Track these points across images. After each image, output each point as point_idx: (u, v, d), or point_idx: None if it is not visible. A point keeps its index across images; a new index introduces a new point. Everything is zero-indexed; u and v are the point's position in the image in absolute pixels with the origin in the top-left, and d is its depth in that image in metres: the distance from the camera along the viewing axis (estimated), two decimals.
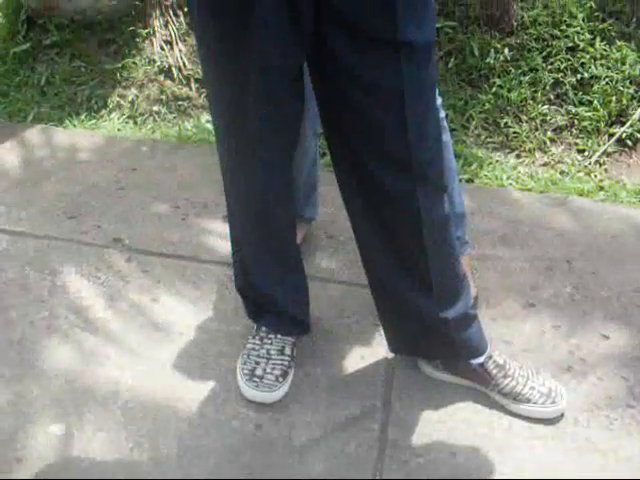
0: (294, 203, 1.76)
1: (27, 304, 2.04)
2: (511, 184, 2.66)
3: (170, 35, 3.26)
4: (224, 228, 2.14)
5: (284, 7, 1.26)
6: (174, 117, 3.12)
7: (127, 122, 3.09)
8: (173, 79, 3.20)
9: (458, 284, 1.67)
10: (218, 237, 2.28)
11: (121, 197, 2.48)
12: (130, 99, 3.16)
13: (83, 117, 3.08)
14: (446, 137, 1.87)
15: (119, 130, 3.00)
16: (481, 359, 1.71)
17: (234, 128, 1.48)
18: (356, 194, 1.56)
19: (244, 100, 1.39)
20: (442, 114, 1.86)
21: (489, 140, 2.95)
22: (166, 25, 3.27)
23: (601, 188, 2.73)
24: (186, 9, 3.26)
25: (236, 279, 1.83)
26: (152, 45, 3.25)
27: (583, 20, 3.20)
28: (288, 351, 1.79)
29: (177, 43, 3.24)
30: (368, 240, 1.63)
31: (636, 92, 3.10)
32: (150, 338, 1.93)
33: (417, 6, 1.31)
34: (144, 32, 3.27)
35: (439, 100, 1.82)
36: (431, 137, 1.46)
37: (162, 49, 3.24)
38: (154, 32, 3.26)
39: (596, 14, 3.23)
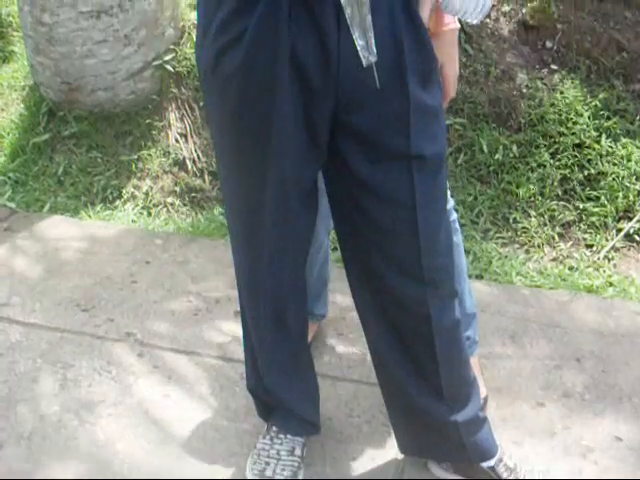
0: (307, 305, 1.79)
1: (38, 398, 2.06)
2: (520, 280, 2.68)
3: (185, 128, 3.34)
4: (236, 324, 2.16)
5: (301, 123, 1.31)
6: (188, 209, 3.17)
7: (141, 213, 3.15)
8: (187, 171, 3.26)
9: (468, 387, 1.67)
10: (230, 333, 2.30)
11: (134, 290, 2.51)
12: (145, 190, 3.23)
13: (98, 208, 3.14)
14: (457, 238, 1.91)
15: (133, 221, 3.05)
16: (492, 462, 1.70)
17: (248, 234, 1.51)
18: (367, 297, 1.58)
19: (259, 211, 1.43)
20: (453, 216, 1.90)
21: (498, 235, 2.98)
22: (182, 118, 3.36)
23: (610, 284, 2.74)
24: (201, 103, 3.36)
25: (247, 377, 1.84)
26: (167, 137, 3.33)
27: (589, 118, 3.27)
28: (298, 452, 1.79)
29: (192, 136, 3.32)
30: (378, 341, 1.64)
31: None
32: (160, 435, 1.93)
33: (429, 121, 1.36)
34: (160, 125, 3.35)
35: (451, 203, 1.87)
36: (442, 245, 1.49)
37: (177, 141, 3.32)
38: (170, 125, 3.34)
39: (601, 112, 3.30)
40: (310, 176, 1.43)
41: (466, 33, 3.40)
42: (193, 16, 3.58)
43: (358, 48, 1.22)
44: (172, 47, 3.43)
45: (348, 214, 1.48)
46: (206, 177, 3.25)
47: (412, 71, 1.30)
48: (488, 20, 3.52)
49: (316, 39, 1.23)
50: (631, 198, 3.10)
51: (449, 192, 1.76)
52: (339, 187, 1.45)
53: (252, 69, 1.27)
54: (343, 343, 2.27)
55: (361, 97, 1.30)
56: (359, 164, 1.36)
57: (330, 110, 1.31)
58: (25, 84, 3.80)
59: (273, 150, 1.34)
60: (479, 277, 2.67)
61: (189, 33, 3.50)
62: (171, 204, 3.19)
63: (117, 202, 3.22)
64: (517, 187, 3.10)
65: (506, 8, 3.57)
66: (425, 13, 1.29)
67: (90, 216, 3.07)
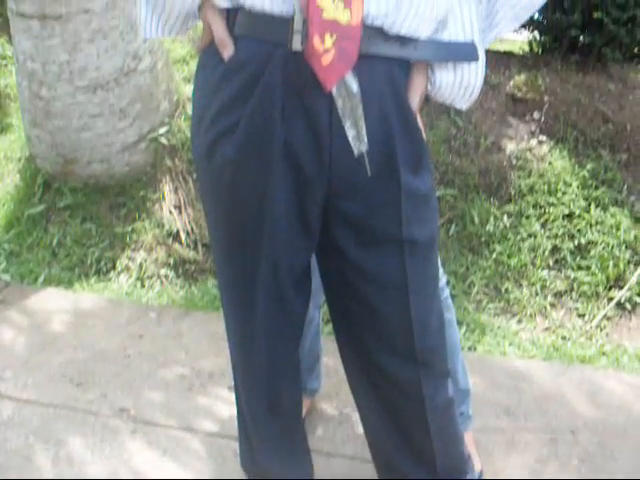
0: (301, 383, 1.79)
1: (30, 475, 2.04)
2: (514, 351, 2.69)
3: (179, 200, 3.38)
4: (230, 399, 2.15)
5: (294, 211, 1.33)
6: (181, 281, 3.19)
7: (135, 285, 3.16)
8: (181, 243, 3.29)
9: (462, 464, 1.67)
10: (224, 409, 2.29)
11: (128, 365, 2.51)
12: (139, 262, 3.24)
13: (92, 280, 3.15)
14: (450, 315, 1.92)
15: (127, 294, 3.06)
16: None
17: (243, 320, 1.52)
18: (360, 377, 1.59)
19: (253, 297, 1.45)
20: (446, 293, 1.92)
21: (490, 305, 3.00)
22: (176, 190, 3.40)
23: (603, 353, 2.75)
24: (195, 175, 3.39)
25: (241, 455, 1.83)
26: (161, 209, 3.36)
27: (578, 188, 3.32)
28: None
29: (186, 208, 3.36)
30: (372, 419, 1.64)
31: (632, 256, 3.18)
32: None
33: (420, 206, 1.38)
34: (154, 197, 3.39)
35: (443, 280, 1.89)
36: (434, 326, 1.50)
37: (171, 213, 3.35)
38: (164, 197, 3.38)
39: (589, 182, 3.36)
40: (303, 261, 1.45)
41: None
42: (187, 90, 3.65)
43: (349, 138, 1.25)
44: (167, 120, 3.49)
45: (340, 295, 1.49)
46: (199, 249, 3.28)
47: (402, 158, 1.32)
48: None
49: (309, 129, 1.26)
50: (621, 267, 3.13)
51: (441, 269, 1.78)
52: (331, 269, 1.47)
53: (245, 159, 1.29)
54: (337, 417, 2.27)
55: (353, 184, 1.32)
56: (351, 248, 1.38)
57: (322, 197, 1.33)
58: (21, 155, 3.84)
59: (266, 239, 1.36)
60: (472, 349, 2.68)
61: (183, 106, 3.56)
62: (165, 276, 3.20)
63: (111, 274, 3.23)
64: (509, 257, 3.13)
65: (494, 81, 3.65)
66: (415, 100, 1.33)
67: (84, 288, 3.08)
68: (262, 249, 1.37)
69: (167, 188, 3.40)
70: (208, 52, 1.32)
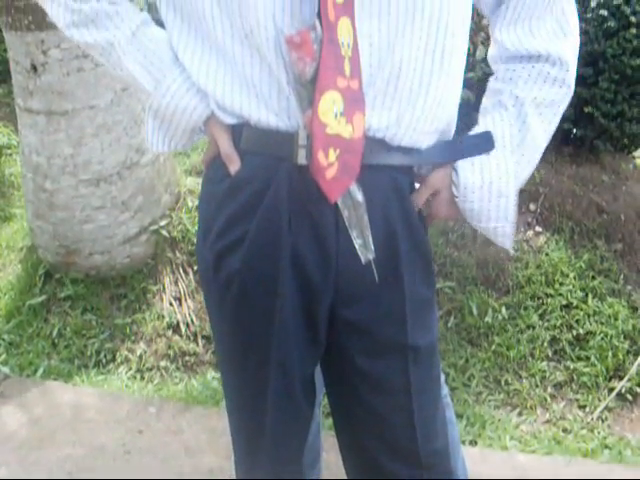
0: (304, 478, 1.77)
1: None
2: (515, 445, 2.67)
3: (179, 292, 3.40)
4: None
5: (301, 320, 1.35)
6: (181, 373, 3.19)
7: (135, 377, 3.15)
8: (181, 335, 3.30)
9: None
10: None
11: (127, 461, 2.49)
12: (138, 354, 3.24)
13: (92, 372, 3.15)
14: (449, 413, 1.92)
15: (127, 386, 3.05)
16: None
17: (249, 419, 1.52)
18: (361, 477, 1.58)
19: (260, 405, 1.44)
20: (445, 391, 1.92)
21: (490, 398, 2.99)
22: (176, 282, 3.43)
23: (605, 446, 2.74)
24: (196, 267, 3.43)
25: None
26: (162, 301, 3.38)
27: (574, 279, 3.35)
28: None
29: (186, 299, 3.38)
30: None
31: (631, 347, 3.19)
32: None
33: (423, 312, 1.40)
34: (154, 288, 3.41)
35: (442, 377, 1.89)
36: (439, 429, 1.50)
37: (171, 305, 3.37)
38: (164, 288, 3.40)
39: (586, 272, 3.39)
40: (310, 369, 1.46)
41: None
42: (189, 182, 3.72)
43: (356, 247, 1.26)
44: (168, 212, 3.54)
45: (344, 398, 1.49)
46: (199, 341, 3.28)
47: (407, 264, 1.34)
48: None
49: (316, 240, 1.28)
50: (620, 357, 3.13)
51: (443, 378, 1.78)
52: (335, 373, 1.48)
53: (253, 271, 1.31)
54: None
55: (359, 291, 1.33)
56: (356, 354, 1.39)
57: (328, 305, 1.35)
58: (23, 245, 3.88)
59: (275, 347, 1.36)
60: (473, 443, 2.67)
61: (184, 198, 3.62)
62: (164, 368, 3.20)
63: (110, 365, 3.23)
64: (507, 349, 3.14)
65: None
66: (418, 201, 1.36)
67: (83, 381, 3.07)
68: (271, 356, 1.37)
69: (167, 280, 3.43)
70: (214, 166, 1.35)
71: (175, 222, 3.51)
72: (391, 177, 1.30)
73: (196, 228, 3.40)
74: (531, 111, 1.32)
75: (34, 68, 3.19)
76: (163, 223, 3.49)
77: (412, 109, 1.25)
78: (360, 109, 1.19)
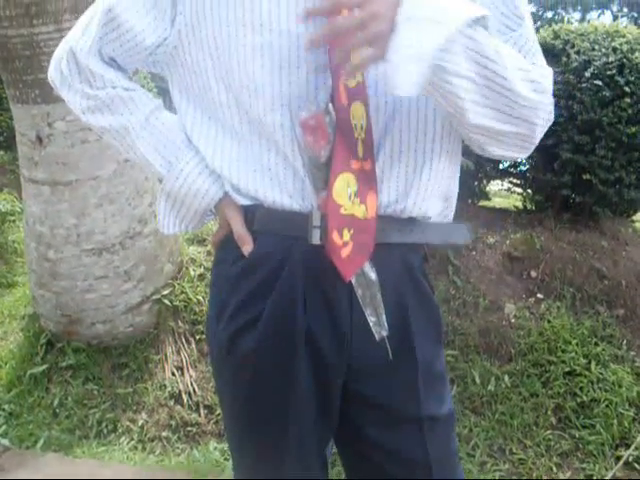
0: None
1: None
2: None
3: (181, 361, 3.39)
4: None
5: (315, 397, 1.34)
6: (183, 443, 3.16)
7: (136, 447, 3.12)
8: (183, 405, 3.28)
9: None
10: None
11: None
12: (140, 424, 3.22)
13: (93, 443, 3.12)
14: None
15: (128, 458, 3.02)
16: None
17: None
18: None
19: (279, 467, 1.42)
20: None
21: (495, 468, 2.96)
22: (178, 351, 3.42)
23: None
24: (197, 336, 3.43)
25: None
26: (164, 370, 3.37)
27: (577, 345, 3.35)
28: None
29: (188, 369, 3.37)
30: None
31: (636, 414, 3.17)
32: None
33: (436, 384, 1.40)
34: (157, 358, 3.41)
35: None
36: None
37: (173, 375, 3.36)
38: (166, 358, 3.40)
39: (589, 339, 3.39)
40: (324, 443, 1.45)
41: (454, 265, 3.55)
42: (191, 251, 3.74)
43: (370, 324, 1.28)
44: (170, 281, 3.55)
45: (358, 467, 1.47)
46: (201, 411, 3.26)
47: (419, 338, 1.35)
48: (474, 252, 3.69)
49: (330, 318, 1.29)
50: (626, 425, 3.11)
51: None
52: (350, 447, 1.46)
53: (267, 351, 1.30)
54: None
55: (372, 367, 1.34)
56: (370, 428, 1.38)
57: (342, 381, 1.35)
58: (25, 314, 3.89)
59: (289, 427, 1.35)
60: None
61: (187, 267, 3.64)
62: (166, 438, 3.17)
63: (112, 436, 3.20)
64: (511, 418, 3.12)
65: (491, 240, 3.75)
66: None
67: (84, 452, 3.04)
68: (284, 437, 1.36)
69: (170, 349, 3.43)
70: (226, 247, 1.36)
71: (177, 291, 3.52)
72: (402, 255, 1.33)
73: (198, 297, 3.43)
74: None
75: (39, 140, 3.24)
76: (165, 292, 3.50)
77: (418, 179, 1.28)
78: (373, 189, 1.23)
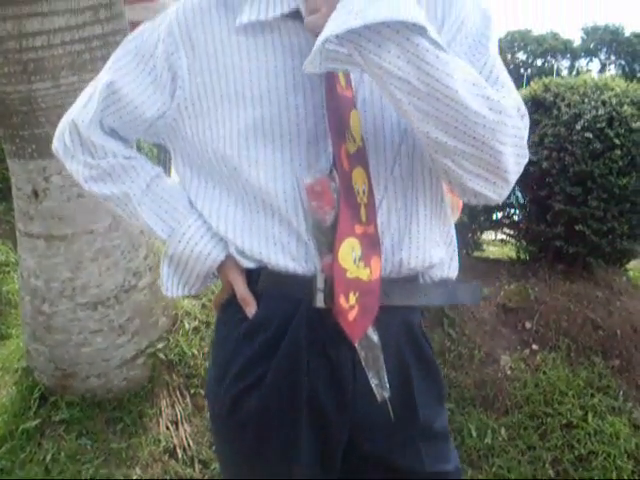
0: None
1: None
2: None
3: (176, 415, 3.37)
4: None
5: (317, 455, 1.35)
6: None
7: None
8: (177, 459, 3.25)
9: None
10: None
11: None
12: (134, 479, 3.18)
13: None
14: None
15: None
16: None
17: None
18: None
19: None
20: None
21: None
22: (173, 405, 3.40)
23: None
24: (192, 390, 3.41)
25: None
26: (158, 425, 3.35)
27: (573, 397, 3.34)
28: None
29: (182, 423, 3.34)
30: None
31: (635, 466, 3.16)
32: None
33: (438, 442, 1.41)
34: (151, 412, 3.38)
35: None
36: None
37: (168, 429, 3.33)
38: (161, 412, 3.37)
39: (585, 390, 3.38)
40: None
41: (448, 317, 3.56)
42: (186, 304, 3.73)
43: (373, 386, 1.29)
44: (165, 335, 3.54)
45: None
46: (196, 465, 3.23)
47: (421, 398, 1.36)
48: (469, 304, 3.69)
49: (333, 380, 1.30)
50: (625, 477, 3.09)
51: None
52: None
53: (271, 412, 1.32)
54: None
55: (373, 427, 1.35)
56: None
57: (344, 439, 1.35)
58: (19, 367, 3.86)
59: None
60: None
61: (181, 321, 3.63)
62: None
63: None
64: (509, 471, 3.09)
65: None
66: None
67: None
68: None
69: (164, 403, 3.40)
70: (229, 309, 1.39)
71: (172, 345, 3.51)
72: (403, 316, 1.35)
73: (193, 350, 3.42)
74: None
75: (35, 194, 3.26)
76: (160, 346, 3.49)
77: (409, 229, 1.31)
78: (377, 253, 1.25)
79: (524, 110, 1.19)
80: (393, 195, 1.28)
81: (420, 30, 1.02)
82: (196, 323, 3.64)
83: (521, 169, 1.22)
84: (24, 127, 3.15)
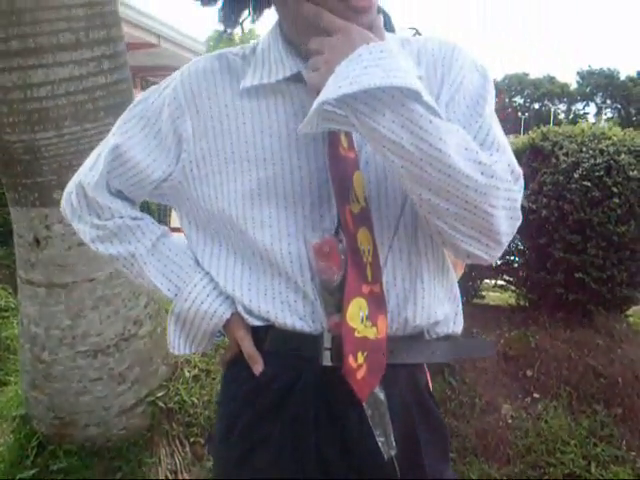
0: None
1: None
2: None
3: (176, 464, 3.34)
4: None
5: None
6: None
7: None
8: None
9: None
10: None
11: None
12: None
13: None
14: None
15: None
16: None
17: None
18: None
19: None
20: None
21: None
22: (172, 454, 3.37)
23: None
24: (192, 439, 3.39)
25: None
26: (157, 474, 3.31)
27: (576, 446, 3.32)
28: None
29: (182, 473, 3.31)
30: None
31: None
32: None
33: None
34: (150, 461, 3.35)
35: None
36: None
37: (167, 478, 3.30)
38: (160, 461, 3.34)
39: (587, 439, 3.36)
40: None
41: (449, 366, 3.55)
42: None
43: (379, 444, 1.29)
44: (164, 383, 3.53)
45: None
46: None
47: (427, 454, 1.35)
48: None
49: (340, 437, 1.30)
50: None
51: None
52: None
53: (277, 471, 1.31)
54: None
55: None
56: None
57: None
58: (17, 414, 3.83)
59: None
60: None
61: (181, 369, 3.62)
62: None
63: None
64: None
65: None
66: None
67: None
68: None
69: (164, 452, 3.38)
70: (236, 367, 1.39)
71: (172, 393, 3.50)
72: (409, 373, 1.36)
73: (193, 399, 3.41)
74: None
75: (37, 242, 3.27)
76: (160, 394, 3.47)
77: (414, 288, 1.32)
78: (383, 311, 1.26)
79: (518, 172, 1.20)
80: (398, 254, 1.30)
81: (415, 95, 1.04)
82: (196, 371, 3.63)
83: (514, 231, 1.24)
84: (27, 175, 3.17)
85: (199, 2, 1.37)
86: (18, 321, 3.60)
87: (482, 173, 1.11)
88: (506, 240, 1.23)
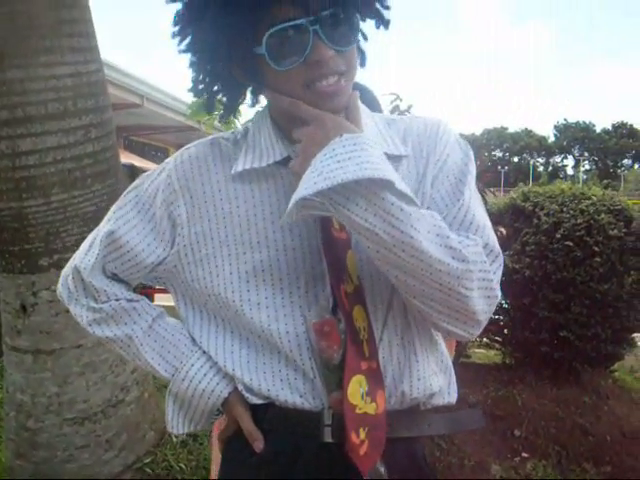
0: None
1: None
2: None
3: None
4: None
5: None
6: None
7: None
8: None
9: None
10: None
11: None
12: None
13: None
14: None
15: None
16: None
17: None
18: None
19: None
20: None
21: None
22: None
23: None
24: None
25: None
26: None
27: None
28: None
29: None
30: None
31: None
32: None
33: None
34: None
35: None
36: None
37: None
38: None
39: None
40: None
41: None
42: None
43: None
44: (152, 449, 3.50)
45: None
46: None
47: None
48: None
49: None
50: None
51: None
52: None
53: None
54: None
55: None
56: None
57: None
58: None
59: None
60: None
61: (169, 435, 3.59)
62: None
63: None
64: None
65: (473, 400, 3.76)
66: None
67: None
68: None
69: None
70: (234, 445, 1.39)
71: (159, 459, 3.46)
72: (407, 446, 1.36)
73: (180, 465, 3.37)
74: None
75: (24, 308, 3.27)
76: (147, 460, 3.44)
77: (409, 363, 1.33)
78: (381, 387, 1.27)
79: (497, 251, 1.24)
80: (393, 329, 1.32)
81: (387, 184, 1.09)
82: (184, 437, 3.60)
83: (492, 309, 1.26)
84: (14, 243, 3.19)
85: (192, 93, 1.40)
86: (3, 389, 3.57)
87: (453, 258, 1.14)
88: (485, 318, 1.26)
